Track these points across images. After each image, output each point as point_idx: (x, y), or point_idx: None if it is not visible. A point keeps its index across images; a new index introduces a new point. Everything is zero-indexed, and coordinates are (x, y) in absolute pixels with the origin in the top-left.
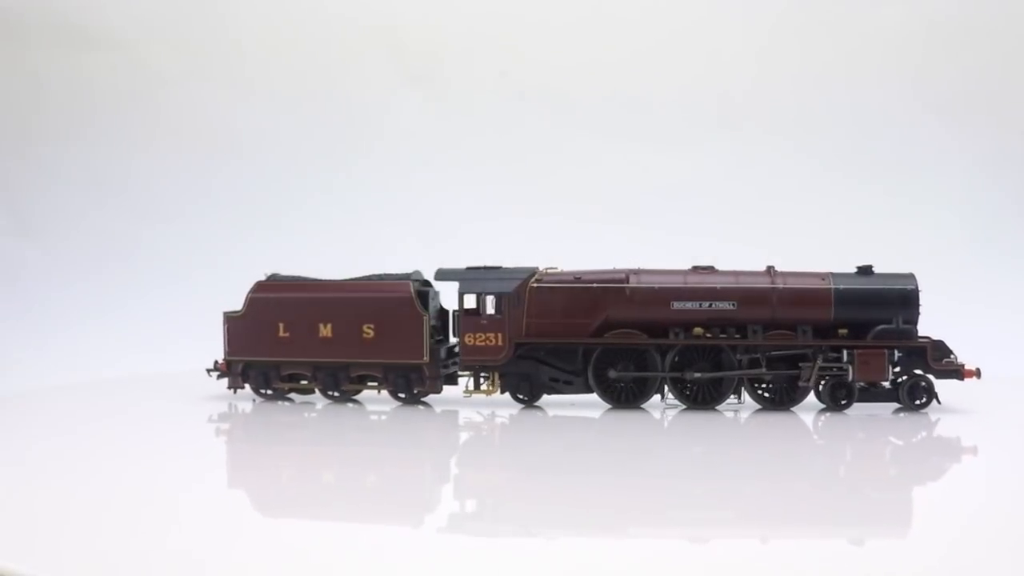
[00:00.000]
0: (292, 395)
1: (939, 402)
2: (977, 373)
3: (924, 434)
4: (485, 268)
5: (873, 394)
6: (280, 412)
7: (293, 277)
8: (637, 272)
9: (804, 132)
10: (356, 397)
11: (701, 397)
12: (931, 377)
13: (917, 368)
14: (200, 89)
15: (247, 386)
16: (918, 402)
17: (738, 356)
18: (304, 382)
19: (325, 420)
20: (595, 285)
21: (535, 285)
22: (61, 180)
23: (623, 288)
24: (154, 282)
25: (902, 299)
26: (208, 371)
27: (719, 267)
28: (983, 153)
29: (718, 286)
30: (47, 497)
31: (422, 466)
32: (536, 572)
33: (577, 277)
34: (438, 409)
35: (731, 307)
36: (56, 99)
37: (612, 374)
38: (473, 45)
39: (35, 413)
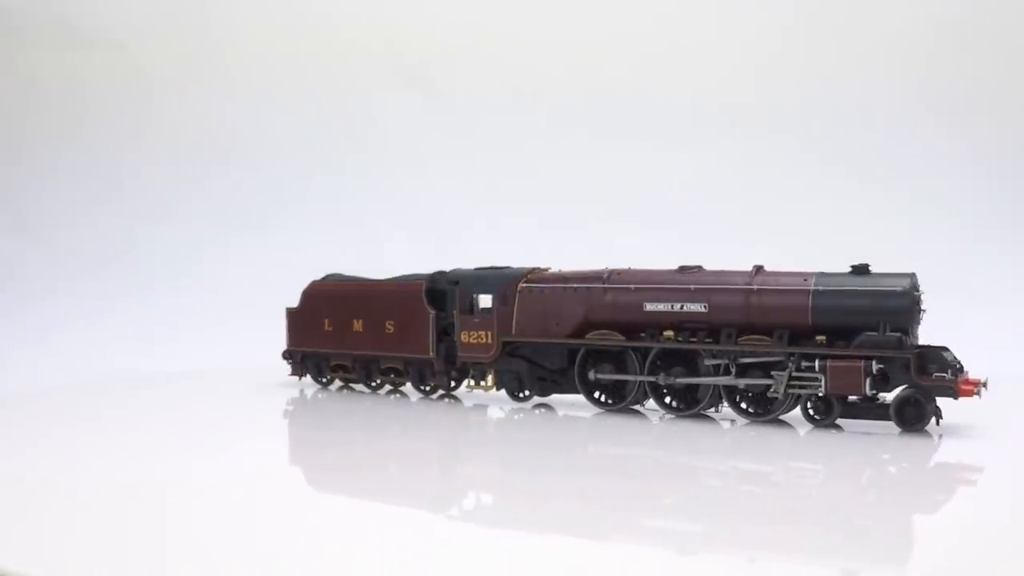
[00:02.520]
0: (350, 384)
1: (938, 421)
2: (977, 392)
3: (924, 457)
4: (492, 268)
5: (865, 410)
6: (337, 400)
7: (349, 277)
8: (620, 272)
9: (808, 131)
10: (402, 388)
11: (679, 403)
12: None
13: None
14: (197, 89)
15: (308, 375)
16: (908, 422)
17: (707, 362)
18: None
19: (365, 408)
20: (575, 286)
21: (524, 285)
22: (60, 180)
23: (599, 288)
24: (153, 281)
25: (888, 302)
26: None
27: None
28: (989, 152)
29: (691, 287)
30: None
31: (428, 458)
32: (518, 567)
33: (563, 277)
34: (468, 403)
35: (703, 309)
36: (54, 99)
37: (592, 376)
38: (474, 45)
39: (85, 406)
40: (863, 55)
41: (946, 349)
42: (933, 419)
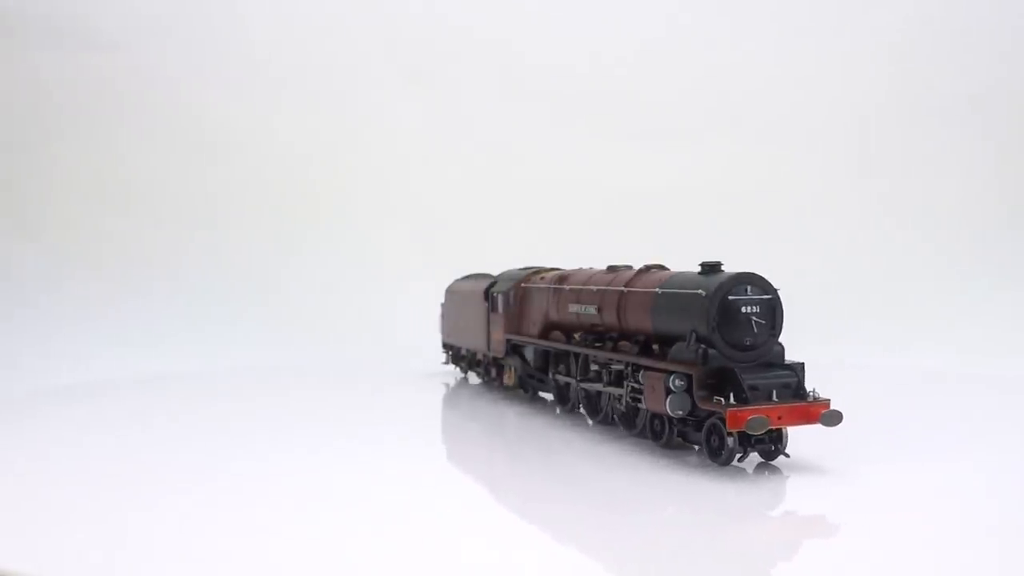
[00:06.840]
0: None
1: (740, 452)
2: (748, 424)
3: (772, 497)
4: (525, 269)
5: (693, 433)
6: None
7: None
8: (575, 273)
9: (805, 131)
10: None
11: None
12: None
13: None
14: (199, 90)
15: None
16: (713, 454)
17: (592, 368)
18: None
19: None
20: (541, 286)
21: (523, 286)
22: (60, 180)
23: (549, 289)
24: (155, 282)
25: (695, 307)
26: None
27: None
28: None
29: (593, 289)
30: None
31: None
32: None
33: (541, 277)
34: (548, 398)
35: (595, 312)
36: (56, 99)
37: (551, 375)
38: (474, 45)
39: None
40: (866, 55)
41: (787, 367)
42: (781, 454)
